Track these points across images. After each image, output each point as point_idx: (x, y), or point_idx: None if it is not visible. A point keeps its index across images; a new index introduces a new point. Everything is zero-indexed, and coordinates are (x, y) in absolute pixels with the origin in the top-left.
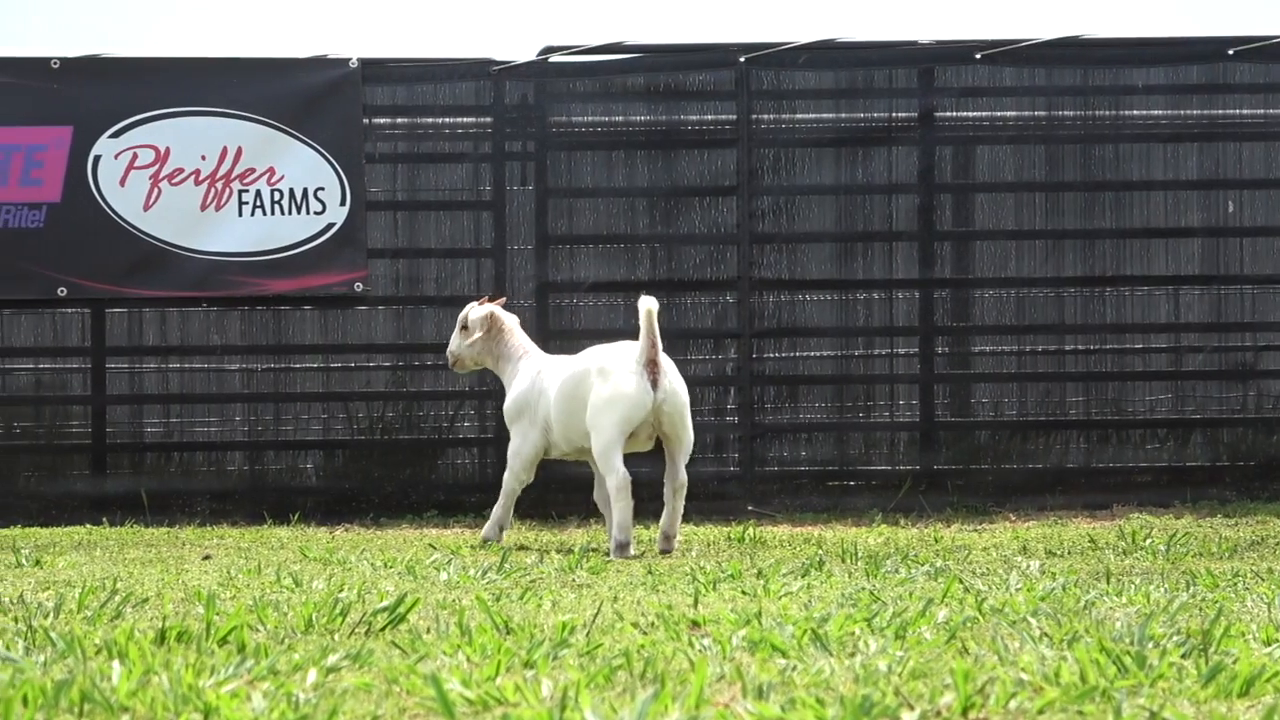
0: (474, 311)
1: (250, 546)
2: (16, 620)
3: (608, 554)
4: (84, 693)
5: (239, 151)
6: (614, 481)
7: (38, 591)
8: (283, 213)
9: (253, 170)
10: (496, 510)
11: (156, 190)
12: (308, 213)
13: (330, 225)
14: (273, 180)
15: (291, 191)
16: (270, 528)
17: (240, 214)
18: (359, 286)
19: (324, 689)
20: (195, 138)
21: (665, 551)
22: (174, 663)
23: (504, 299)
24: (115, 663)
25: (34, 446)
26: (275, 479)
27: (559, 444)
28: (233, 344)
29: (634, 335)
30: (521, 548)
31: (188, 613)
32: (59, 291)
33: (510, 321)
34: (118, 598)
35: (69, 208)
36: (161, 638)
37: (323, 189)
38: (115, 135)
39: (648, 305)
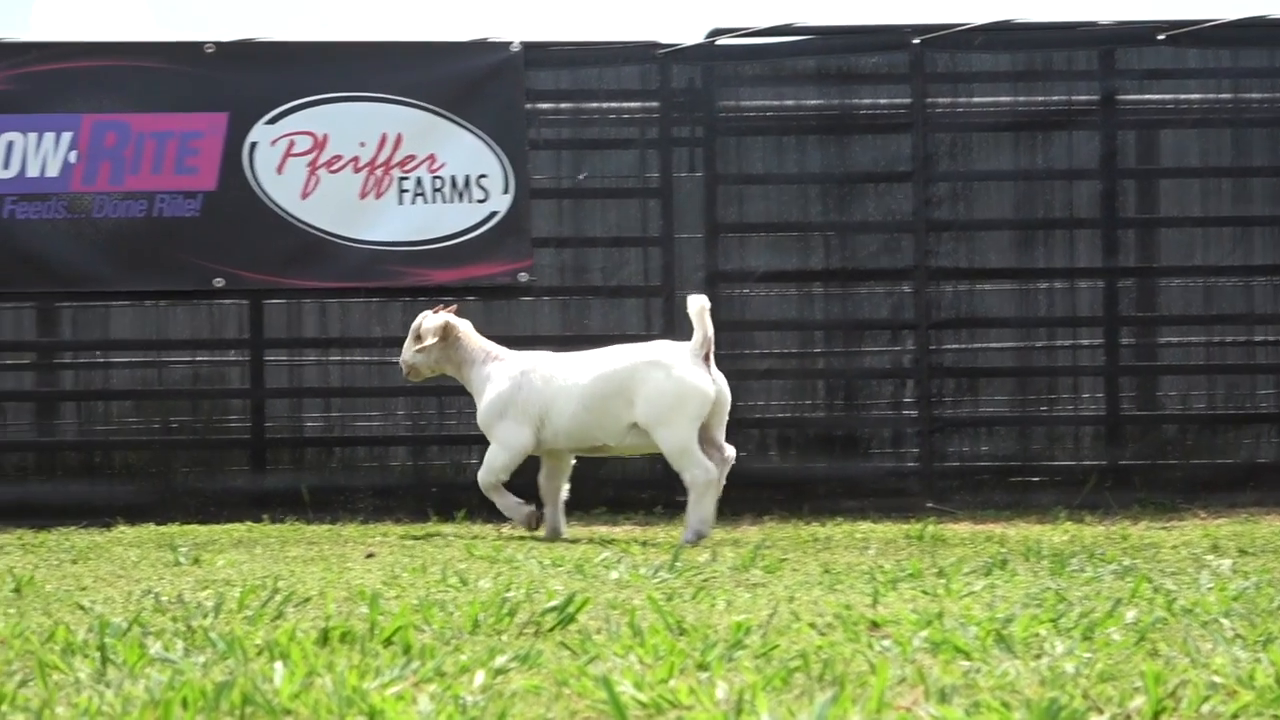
0: (428, 320)
1: (414, 544)
2: (175, 620)
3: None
4: (245, 695)
5: (399, 138)
6: (703, 476)
7: (197, 591)
8: (444, 200)
9: (413, 157)
10: (507, 511)
11: (314, 178)
12: (470, 201)
13: (493, 214)
14: (434, 167)
15: (453, 179)
16: (435, 524)
17: (400, 202)
18: (523, 277)
19: (492, 691)
20: (354, 124)
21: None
22: (337, 664)
23: (456, 305)
24: (277, 664)
25: (192, 441)
26: (439, 474)
27: (558, 440)
28: (394, 335)
29: (808, 327)
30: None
31: (351, 612)
32: (215, 282)
33: (465, 327)
34: (279, 597)
35: (225, 196)
36: (324, 638)
37: (485, 176)
38: (272, 122)
39: (702, 302)
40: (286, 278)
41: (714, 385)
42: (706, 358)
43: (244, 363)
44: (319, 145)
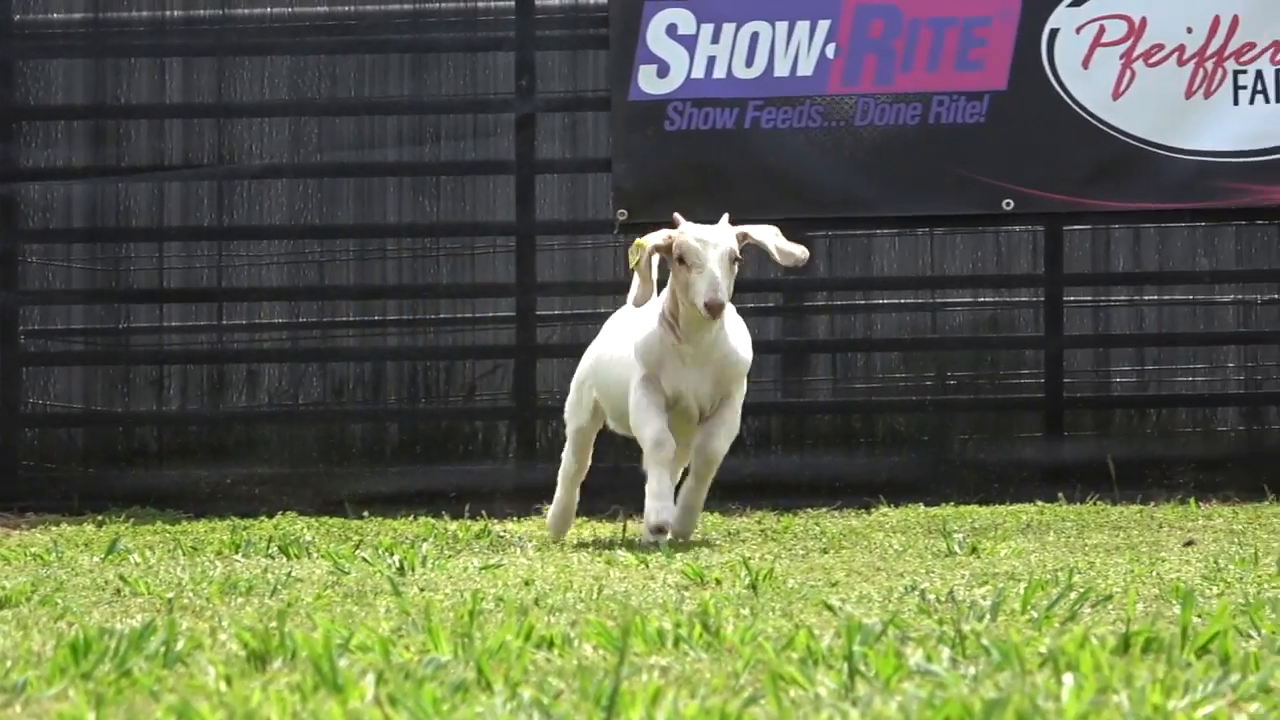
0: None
1: (1245, 529)
2: (942, 624)
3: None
4: (1020, 714)
5: (1235, 22)
6: None
7: (972, 587)
8: None
9: (1251, 46)
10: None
11: (1128, 73)
12: None
13: None
14: (1277, 59)
15: None
16: (1270, 505)
17: (1235, 102)
18: None
19: None
20: (1178, 4)
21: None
22: (1137, 677)
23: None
24: (1066, 677)
25: (973, 402)
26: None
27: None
28: (1225, 269)
29: None
30: None
31: (1159, 614)
32: (1004, 204)
33: None
34: (1073, 595)
35: (1017, 98)
36: (1124, 646)
37: None
38: (1077, 3)
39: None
40: (1091, 198)
41: None
42: None
43: (1037, 304)
44: (1134, 32)
